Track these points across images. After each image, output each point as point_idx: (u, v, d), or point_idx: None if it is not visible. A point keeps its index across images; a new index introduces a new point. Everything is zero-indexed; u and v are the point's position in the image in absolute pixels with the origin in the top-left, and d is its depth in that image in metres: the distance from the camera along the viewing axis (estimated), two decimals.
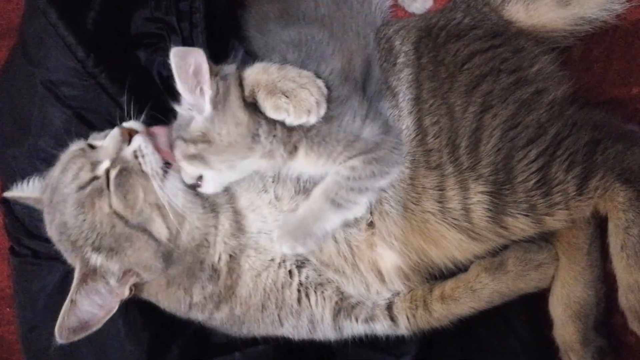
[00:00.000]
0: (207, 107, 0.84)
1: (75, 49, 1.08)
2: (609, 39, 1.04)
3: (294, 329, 0.96)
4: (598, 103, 0.98)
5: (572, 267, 0.94)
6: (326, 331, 0.96)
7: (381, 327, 0.95)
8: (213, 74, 0.84)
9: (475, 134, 0.88)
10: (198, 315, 0.97)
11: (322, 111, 0.83)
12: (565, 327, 0.94)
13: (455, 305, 0.93)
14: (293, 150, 0.87)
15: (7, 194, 1.05)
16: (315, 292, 0.95)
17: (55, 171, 0.95)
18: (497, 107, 0.89)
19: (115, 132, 0.93)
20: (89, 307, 0.87)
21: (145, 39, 1.20)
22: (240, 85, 0.87)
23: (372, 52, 0.99)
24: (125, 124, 0.96)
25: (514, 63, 0.92)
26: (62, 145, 1.10)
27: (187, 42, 1.18)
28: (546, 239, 0.97)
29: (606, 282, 0.95)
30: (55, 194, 0.92)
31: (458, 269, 0.95)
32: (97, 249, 0.87)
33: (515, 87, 0.90)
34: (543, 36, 1.00)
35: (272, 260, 0.95)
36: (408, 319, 0.94)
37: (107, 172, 0.90)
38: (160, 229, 0.89)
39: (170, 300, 0.95)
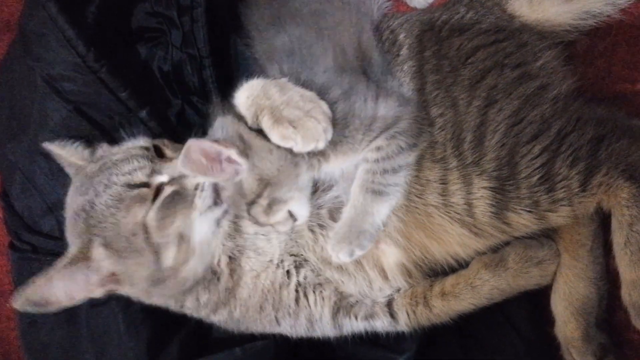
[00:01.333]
0: (242, 162, 0.83)
1: (75, 43, 1.07)
2: (614, 33, 1.03)
3: (291, 328, 0.96)
4: (602, 98, 0.97)
5: (575, 264, 0.94)
6: (325, 329, 0.95)
7: (381, 324, 0.95)
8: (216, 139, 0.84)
9: (479, 128, 0.88)
10: (193, 315, 0.97)
11: (329, 136, 0.83)
12: (566, 324, 0.94)
13: (456, 302, 0.92)
14: (323, 156, 0.87)
15: (48, 145, 1.02)
16: (313, 292, 0.94)
17: (116, 154, 0.93)
18: (502, 101, 0.88)
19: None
20: (59, 289, 0.85)
21: (145, 33, 1.19)
22: (238, 115, 0.87)
23: (369, 38, 0.99)
24: None
25: (518, 57, 0.92)
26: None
27: (188, 36, 1.18)
28: (548, 235, 0.96)
29: (609, 279, 0.95)
30: (101, 174, 0.90)
31: (459, 266, 0.94)
32: (105, 245, 0.86)
33: (520, 82, 0.89)
34: (547, 31, 0.99)
35: (270, 261, 0.94)
36: (408, 315, 0.93)
37: (160, 186, 0.88)
38: (168, 257, 0.88)
39: (159, 302, 0.95)
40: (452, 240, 0.90)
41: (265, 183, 0.84)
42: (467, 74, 0.91)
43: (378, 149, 0.86)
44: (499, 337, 0.95)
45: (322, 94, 0.87)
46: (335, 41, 0.95)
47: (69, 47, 1.08)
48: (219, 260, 0.93)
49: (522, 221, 0.86)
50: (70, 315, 1.06)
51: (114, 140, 1.11)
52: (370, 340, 0.97)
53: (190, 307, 0.95)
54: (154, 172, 0.89)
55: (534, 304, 1.01)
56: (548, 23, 0.99)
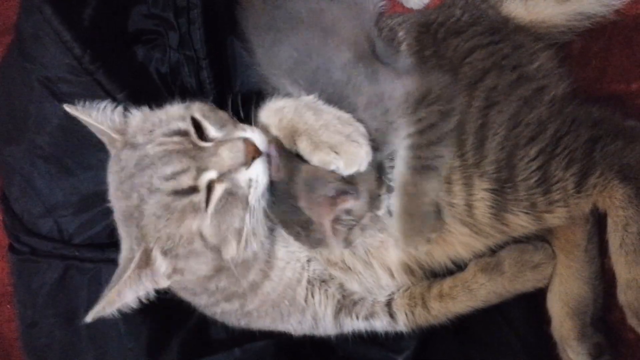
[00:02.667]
0: (361, 192, 0.83)
1: (71, 45, 1.07)
2: (608, 34, 1.03)
3: (298, 324, 0.96)
4: (597, 98, 0.97)
5: (570, 264, 0.95)
6: (327, 328, 0.96)
7: (380, 324, 0.95)
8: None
9: (481, 130, 0.88)
10: (202, 298, 0.94)
11: (370, 158, 0.82)
12: (562, 324, 0.95)
13: (453, 304, 0.93)
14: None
15: (73, 110, 0.89)
16: (319, 289, 0.95)
17: (149, 144, 0.81)
18: (502, 104, 0.88)
19: (240, 146, 0.80)
20: (129, 296, 0.81)
21: (142, 35, 1.19)
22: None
23: (372, 28, 1.00)
24: (251, 137, 0.82)
25: (515, 59, 0.92)
26: (60, 142, 1.11)
27: (185, 38, 1.18)
28: (543, 237, 0.96)
29: (605, 278, 0.96)
30: (141, 174, 0.80)
31: (458, 268, 0.95)
32: (164, 253, 0.80)
33: (518, 84, 0.90)
34: (542, 32, 0.99)
35: (294, 252, 0.94)
36: (407, 315, 0.94)
37: (210, 184, 0.80)
38: (230, 251, 0.84)
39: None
40: (454, 240, 0.90)
41: (372, 197, 0.86)
42: (466, 73, 0.91)
43: (419, 120, 0.86)
44: (496, 337, 0.96)
45: (345, 88, 0.87)
46: (344, 35, 0.95)
47: (64, 49, 1.07)
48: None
49: (520, 222, 0.87)
50: (70, 316, 1.06)
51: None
52: (369, 339, 0.97)
53: (206, 291, 0.91)
54: (200, 171, 0.79)
55: (531, 303, 1.02)
56: (543, 24, 0.99)
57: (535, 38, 0.97)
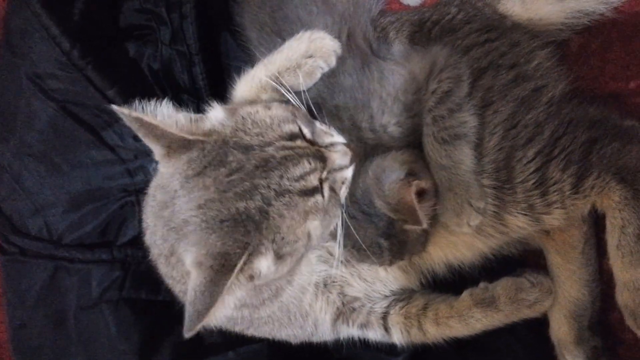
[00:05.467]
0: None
1: (59, 40, 1.05)
2: (607, 32, 1.02)
3: (300, 330, 0.94)
4: (595, 97, 0.97)
5: (567, 266, 0.94)
6: (325, 334, 0.95)
7: (374, 335, 0.94)
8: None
9: (477, 129, 0.87)
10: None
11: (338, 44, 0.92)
12: (559, 327, 0.94)
13: (450, 331, 0.92)
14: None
15: (129, 111, 0.77)
16: (322, 294, 0.93)
17: (268, 146, 0.79)
18: (497, 103, 0.87)
19: (347, 151, 0.83)
20: (228, 303, 0.75)
21: (134, 31, 1.17)
22: None
23: (367, 28, 1.00)
24: (352, 144, 0.86)
25: (512, 58, 0.91)
26: (49, 140, 1.09)
27: (177, 33, 1.16)
28: (542, 265, 0.96)
29: (604, 280, 0.95)
30: (266, 175, 0.77)
31: (455, 271, 0.94)
32: (275, 253, 0.77)
33: (515, 84, 0.89)
34: (539, 30, 0.98)
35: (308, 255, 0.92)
36: (402, 333, 0.93)
37: (321, 183, 0.81)
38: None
39: None
40: (457, 240, 0.89)
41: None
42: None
43: (433, 92, 0.86)
44: (495, 338, 0.95)
45: (358, 92, 0.88)
46: (343, 40, 0.95)
47: (53, 44, 1.06)
48: None
49: (519, 223, 0.86)
50: (59, 318, 1.05)
51: (101, 140, 1.10)
52: (366, 342, 0.97)
53: None
54: (321, 170, 0.81)
55: None
56: (541, 22, 0.98)
57: (532, 36, 0.96)
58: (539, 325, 0.97)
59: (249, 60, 1.06)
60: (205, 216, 0.76)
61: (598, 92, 1.02)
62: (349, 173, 0.84)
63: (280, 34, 0.98)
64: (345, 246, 0.86)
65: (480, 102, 0.88)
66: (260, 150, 0.79)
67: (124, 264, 1.07)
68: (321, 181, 0.80)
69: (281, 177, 0.77)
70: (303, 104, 0.89)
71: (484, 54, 0.91)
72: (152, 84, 1.17)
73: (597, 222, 0.95)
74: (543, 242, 0.98)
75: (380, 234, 0.82)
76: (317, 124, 0.86)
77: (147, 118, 0.77)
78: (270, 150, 0.79)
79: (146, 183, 0.90)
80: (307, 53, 0.90)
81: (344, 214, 0.85)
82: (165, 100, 0.80)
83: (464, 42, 0.93)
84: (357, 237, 0.83)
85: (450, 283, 0.96)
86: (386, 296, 0.96)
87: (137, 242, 1.08)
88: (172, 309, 1.05)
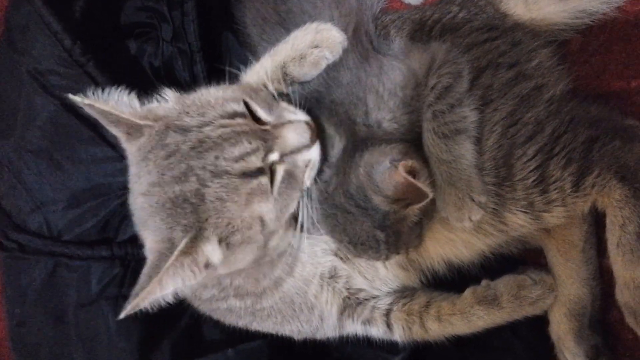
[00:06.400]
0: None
1: (61, 36, 1.05)
2: (608, 31, 1.02)
3: (306, 323, 0.93)
4: (596, 96, 0.97)
5: (567, 265, 0.94)
6: (329, 329, 0.95)
7: (376, 331, 0.94)
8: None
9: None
10: (210, 292, 0.90)
11: (344, 36, 0.90)
12: (559, 325, 0.94)
13: (452, 328, 0.92)
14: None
15: (84, 100, 0.79)
16: (328, 286, 0.93)
17: (206, 126, 0.77)
18: (497, 102, 0.87)
19: (305, 128, 0.81)
20: (167, 288, 0.75)
21: (136, 28, 1.17)
22: None
23: (369, 25, 1.01)
24: (311, 122, 0.83)
25: (512, 57, 0.91)
26: (50, 136, 1.08)
27: (178, 31, 1.16)
28: (542, 264, 0.96)
29: (604, 278, 0.95)
30: (202, 156, 0.75)
31: (456, 270, 0.94)
32: (220, 240, 0.76)
33: (515, 82, 0.89)
34: (541, 29, 0.98)
35: (313, 247, 0.92)
36: (403, 330, 0.93)
37: (271, 166, 0.79)
38: (276, 241, 0.83)
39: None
40: (455, 237, 0.89)
41: None
42: None
43: (433, 87, 0.85)
44: (495, 337, 0.95)
45: (356, 88, 0.88)
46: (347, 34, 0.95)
47: (54, 40, 1.06)
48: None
49: (519, 221, 0.86)
50: (59, 315, 1.05)
51: (102, 136, 1.10)
52: (366, 340, 0.96)
53: (218, 285, 0.88)
54: (267, 151, 0.78)
55: None
56: (543, 22, 0.98)
57: (533, 35, 0.96)
58: (539, 324, 0.96)
59: (251, 58, 1.06)
60: (151, 201, 0.77)
61: (599, 91, 1.02)
62: (311, 154, 0.81)
63: (284, 27, 0.98)
64: (341, 241, 0.85)
65: (480, 100, 0.88)
66: (197, 130, 0.77)
67: (124, 260, 1.07)
68: (273, 164, 0.78)
69: (217, 157, 0.75)
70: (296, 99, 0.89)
71: (485, 52, 0.91)
72: (153, 81, 1.17)
73: (597, 221, 0.95)
74: (543, 241, 0.98)
75: (376, 225, 0.81)
76: (283, 104, 0.85)
77: (99, 104, 0.78)
78: (207, 130, 0.77)
79: None
80: (313, 43, 0.89)
81: (344, 206, 0.82)
82: (122, 89, 0.81)
83: (465, 41, 0.93)
84: (354, 231, 0.82)
85: (452, 282, 0.96)
86: (389, 294, 0.95)
87: (137, 239, 1.08)
88: (172, 305, 1.05)
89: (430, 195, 0.77)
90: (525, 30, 0.97)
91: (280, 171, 0.79)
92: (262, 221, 0.78)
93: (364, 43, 0.97)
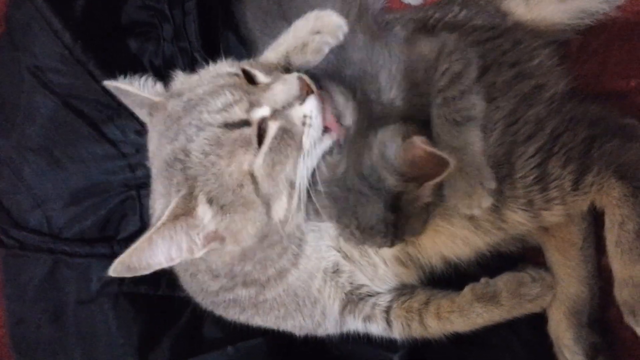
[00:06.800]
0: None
1: (61, 34, 1.06)
2: (608, 31, 1.02)
3: (308, 318, 0.93)
4: (596, 96, 0.97)
5: (566, 263, 0.94)
6: (331, 325, 0.94)
7: (376, 329, 0.94)
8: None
9: None
10: (219, 282, 0.89)
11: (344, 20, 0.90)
12: (558, 324, 0.94)
13: (451, 326, 0.92)
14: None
15: (112, 83, 0.88)
16: (331, 280, 0.92)
17: (199, 86, 0.80)
18: (499, 100, 0.87)
19: (294, 80, 0.79)
20: (160, 251, 0.73)
21: (137, 27, 1.18)
22: None
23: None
24: (304, 76, 0.81)
25: (514, 55, 0.91)
26: (50, 134, 1.09)
27: (179, 30, 1.17)
28: (541, 263, 0.96)
29: (603, 277, 0.95)
30: (189, 113, 0.77)
31: (454, 268, 0.94)
32: (209, 200, 0.75)
33: (517, 81, 0.89)
34: (541, 29, 0.99)
35: (318, 240, 0.91)
36: (403, 327, 0.93)
37: (262, 122, 0.77)
38: (280, 209, 0.79)
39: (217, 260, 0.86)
40: (454, 234, 0.89)
41: None
42: None
43: (444, 73, 0.84)
44: (494, 335, 0.95)
45: (367, 66, 0.88)
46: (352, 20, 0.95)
47: (55, 38, 1.07)
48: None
49: (518, 219, 0.86)
50: (58, 312, 1.05)
51: (102, 134, 1.10)
52: (365, 338, 0.96)
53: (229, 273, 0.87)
54: (252, 104, 0.77)
55: None
56: (544, 22, 0.99)
57: (534, 35, 0.97)
58: (538, 322, 0.97)
59: (252, 55, 1.06)
60: (155, 167, 0.81)
61: (599, 91, 1.02)
62: (305, 109, 0.79)
63: (286, 20, 0.98)
64: (348, 226, 0.83)
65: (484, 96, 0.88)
66: (189, 92, 0.80)
67: None
68: (264, 120, 0.77)
69: (201, 112, 0.76)
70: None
71: (487, 51, 0.92)
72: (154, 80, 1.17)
73: (596, 219, 0.95)
74: (542, 239, 0.98)
75: (388, 207, 0.78)
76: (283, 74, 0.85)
77: (123, 85, 0.87)
78: (197, 90, 0.79)
79: (147, 178, 0.90)
80: (314, 30, 0.88)
81: (358, 187, 0.79)
82: (147, 76, 0.88)
83: (467, 39, 0.93)
84: (365, 214, 0.80)
85: (451, 281, 0.96)
86: (389, 291, 0.95)
87: (138, 236, 1.08)
88: (172, 303, 1.05)
89: (452, 162, 0.74)
90: (526, 30, 0.97)
91: (273, 127, 0.77)
92: (252, 178, 0.76)
93: (371, 26, 0.97)
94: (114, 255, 1.06)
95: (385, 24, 1.02)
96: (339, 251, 0.93)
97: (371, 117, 0.87)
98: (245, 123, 0.76)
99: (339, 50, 0.91)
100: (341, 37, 0.90)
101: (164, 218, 0.72)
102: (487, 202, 0.81)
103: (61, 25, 1.06)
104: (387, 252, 0.92)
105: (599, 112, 0.91)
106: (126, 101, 0.89)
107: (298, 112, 0.79)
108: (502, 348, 0.99)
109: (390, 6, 1.14)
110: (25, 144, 1.09)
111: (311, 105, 0.79)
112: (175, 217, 0.73)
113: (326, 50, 0.90)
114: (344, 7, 0.97)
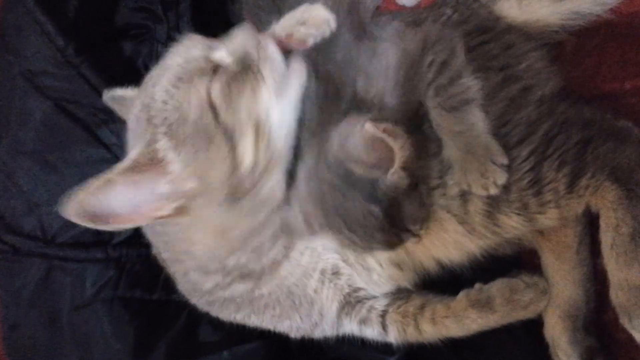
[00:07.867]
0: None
1: (54, 36, 1.05)
2: (602, 33, 1.02)
3: (306, 317, 0.93)
4: (590, 98, 0.97)
5: (561, 266, 0.94)
6: (328, 326, 0.94)
7: (371, 332, 0.94)
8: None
9: None
10: (213, 279, 0.89)
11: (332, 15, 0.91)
12: (554, 327, 0.94)
13: (446, 331, 0.92)
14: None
15: (107, 93, 0.95)
16: (330, 282, 0.92)
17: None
18: (487, 105, 0.87)
19: (246, 25, 0.85)
20: (122, 198, 0.71)
21: (131, 30, 1.17)
22: None
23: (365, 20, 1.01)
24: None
25: (503, 60, 0.91)
26: (44, 138, 1.08)
27: (173, 32, 1.16)
28: (536, 265, 0.96)
29: (599, 278, 0.95)
30: (158, 70, 0.83)
31: (449, 272, 0.94)
32: (170, 134, 0.75)
33: (503, 85, 0.88)
34: (534, 32, 0.98)
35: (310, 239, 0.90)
36: (398, 331, 0.93)
37: (220, 58, 0.81)
38: (245, 151, 0.78)
39: (211, 246, 0.85)
40: (447, 238, 0.88)
41: None
42: None
43: (430, 64, 0.85)
44: (491, 338, 0.95)
45: (347, 68, 0.89)
46: (341, 18, 0.94)
47: (47, 40, 1.06)
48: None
49: (512, 223, 0.86)
50: (53, 317, 1.05)
51: (96, 138, 1.09)
52: (361, 340, 0.96)
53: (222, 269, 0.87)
54: (210, 47, 0.82)
55: None
56: (537, 24, 0.98)
57: (526, 37, 0.96)
58: (535, 325, 0.97)
59: None
60: (130, 130, 0.85)
61: (593, 93, 1.02)
62: (263, 42, 0.82)
63: (280, 14, 0.97)
64: (340, 230, 0.80)
65: None
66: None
67: (119, 263, 1.07)
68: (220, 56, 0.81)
69: (164, 60, 0.83)
70: None
71: (475, 57, 0.91)
72: None
73: (591, 222, 0.95)
74: (537, 242, 0.98)
75: (367, 199, 0.75)
76: None
77: (120, 91, 0.93)
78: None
79: None
80: (301, 21, 0.90)
81: (331, 180, 0.77)
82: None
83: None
84: (347, 211, 0.77)
85: (447, 284, 0.96)
86: (386, 295, 0.95)
87: (132, 241, 1.08)
88: (167, 308, 1.05)
89: (395, 146, 0.72)
90: (518, 33, 0.97)
91: (229, 58, 0.81)
92: (212, 109, 0.77)
93: (360, 24, 0.97)
94: (108, 260, 1.08)
95: (377, 24, 1.02)
96: (338, 253, 0.92)
97: (338, 113, 0.86)
98: (205, 59, 0.80)
99: (325, 45, 0.91)
100: (327, 32, 0.90)
101: (126, 162, 0.73)
102: (501, 178, 0.81)
103: (53, 27, 1.05)
104: (382, 253, 0.92)
105: (593, 114, 0.90)
106: (119, 111, 0.94)
107: (255, 45, 0.82)
108: (498, 351, 0.99)
109: (385, 7, 1.14)
110: (19, 148, 1.09)
111: (267, 41, 0.84)
112: (138, 163, 0.73)
113: (311, 41, 0.90)
114: (335, 3, 0.97)
